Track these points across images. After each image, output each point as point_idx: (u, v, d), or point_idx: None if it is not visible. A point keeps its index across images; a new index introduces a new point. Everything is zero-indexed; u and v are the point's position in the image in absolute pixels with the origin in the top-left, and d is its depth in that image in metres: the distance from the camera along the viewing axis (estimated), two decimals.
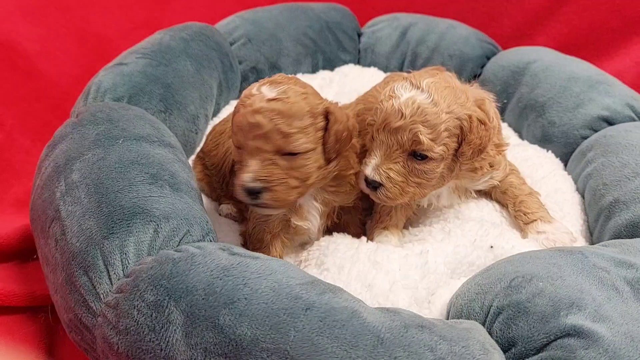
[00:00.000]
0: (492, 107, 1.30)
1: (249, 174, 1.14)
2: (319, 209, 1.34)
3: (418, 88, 1.20)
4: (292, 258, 1.42)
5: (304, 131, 1.15)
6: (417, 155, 1.21)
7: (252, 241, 1.34)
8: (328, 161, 1.23)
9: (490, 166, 1.36)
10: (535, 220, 1.34)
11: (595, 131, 1.57)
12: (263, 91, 1.15)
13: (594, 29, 2.08)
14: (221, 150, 1.50)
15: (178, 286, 0.94)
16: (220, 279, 0.94)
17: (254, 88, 1.18)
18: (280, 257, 1.36)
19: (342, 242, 1.33)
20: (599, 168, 1.42)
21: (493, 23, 2.27)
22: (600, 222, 1.34)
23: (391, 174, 1.22)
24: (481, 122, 1.22)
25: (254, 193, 1.16)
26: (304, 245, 1.45)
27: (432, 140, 1.18)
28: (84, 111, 1.39)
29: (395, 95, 1.21)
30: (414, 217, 1.50)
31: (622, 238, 1.24)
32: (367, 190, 1.27)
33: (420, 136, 1.17)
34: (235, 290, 0.92)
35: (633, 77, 1.98)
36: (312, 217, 1.35)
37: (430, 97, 1.18)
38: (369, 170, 1.24)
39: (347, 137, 1.23)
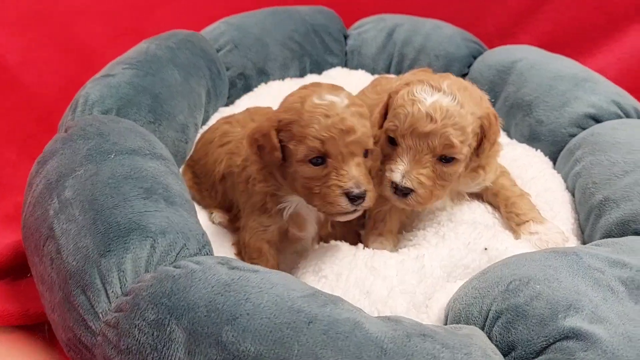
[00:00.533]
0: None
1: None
2: (317, 219, 1.35)
3: (440, 91, 1.20)
4: (288, 266, 1.42)
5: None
6: (444, 158, 1.22)
7: (249, 251, 1.34)
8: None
9: (483, 169, 1.38)
10: (528, 221, 1.35)
11: (583, 129, 1.59)
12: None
13: (577, 26, 2.11)
14: (210, 159, 1.49)
15: (179, 303, 0.93)
16: (222, 295, 0.93)
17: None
18: (276, 265, 1.36)
19: (339, 249, 1.33)
20: (588, 167, 1.44)
21: (478, 22, 2.28)
22: (591, 220, 1.36)
23: (422, 179, 1.21)
24: (495, 117, 1.27)
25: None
26: (297, 252, 1.46)
27: (461, 142, 1.19)
28: (73, 125, 1.37)
29: (417, 99, 1.20)
30: (407, 222, 1.51)
31: (613, 236, 1.25)
32: (393, 198, 1.25)
33: (453, 139, 1.18)
34: (237, 306, 0.91)
35: (616, 73, 2.01)
36: (310, 227, 1.35)
37: (455, 100, 1.19)
38: (398, 177, 1.22)
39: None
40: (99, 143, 1.28)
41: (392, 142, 1.25)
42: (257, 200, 1.30)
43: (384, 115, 1.30)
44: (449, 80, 1.24)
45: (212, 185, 1.49)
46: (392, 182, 1.23)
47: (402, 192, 1.22)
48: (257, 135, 1.20)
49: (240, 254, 1.38)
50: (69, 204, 1.15)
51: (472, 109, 1.21)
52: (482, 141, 1.25)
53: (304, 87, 1.22)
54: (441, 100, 1.19)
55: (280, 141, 1.17)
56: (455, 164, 1.23)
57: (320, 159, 1.14)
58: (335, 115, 1.12)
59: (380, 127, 1.30)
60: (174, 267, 1.03)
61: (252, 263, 1.29)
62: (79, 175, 1.20)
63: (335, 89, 1.19)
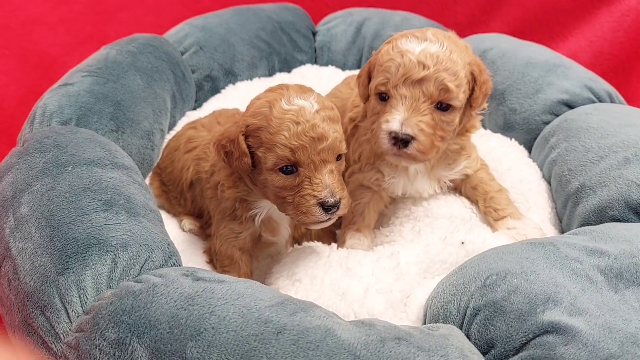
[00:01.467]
0: None
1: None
2: (290, 222, 1.32)
3: (426, 40, 1.19)
4: (262, 271, 1.39)
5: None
6: (441, 106, 1.19)
7: (220, 258, 1.30)
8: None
9: (463, 149, 1.37)
10: (505, 216, 1.34)
11: (557, 115, 1.57)
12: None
13: (547, 10, 2.09)
14: (177, 166, 1.45)
15: (140, 321, 0.89)
16: (185, 309, 0.89)
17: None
18: (249, 272, 1.33)
19: (313, 251, 1.30)
20: (563, 153, 1.41)
21: (446, 12, 2.26)
22: (569, 208, 1.34)
23: (423, 126, 1.17)
24: (483, 66, 1.26)
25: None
26: (272, 255, 1.42)
27: (457, 87, 1.18)
28: (29, 138, 1.32)
29: (405, 50, 1.18)
30: (385, 212, 1.48)
31: (590, 223, 1.24)
32: (391, 150, 1.20)
33: (448, 84, 1.16)
34: (201, 320, 0.87)
35: (589, 57, 2.00)
36: (283, 230, 1.32)
37: (443, 47, 1.18)
38: (396, 125, 1.17)
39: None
40: (56, 155, 1.23)
41: (383, 97, 1.22)
42: (227, 207, 1.26)
43: (368, 76, 1.27)
44: (432, 30, 1.23)
45: (180, 193, 1.45)
46: (391, 132, 1.18)
47: (403, 140, 1.17)
48: (225, 141, 1.15)
49: (212, 261, 1.34)
50: (25, 221, 1.10)
51: (460, 54, 1.20)
52: (474, 89, 1.24)
53: (271, 90, 1.17)
54: (429, 47, 1.17)
55: (248, 147, 1.13)
56: (452, 112, 1.21)
57: (291, 167, 1.10)
58: (305, 122, 1.07)
59: (367, 91, 1.27)
60: (136, 281, 0.99)
61: (223, 271, 1.27)
62: (35, 191, 1.15)
63: (303, 91, 1.14)
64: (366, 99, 1.30)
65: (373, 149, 1.29)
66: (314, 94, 1.15)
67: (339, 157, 1.14)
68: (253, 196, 1.23)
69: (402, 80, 1.17)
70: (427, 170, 1.37)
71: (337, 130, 1.12)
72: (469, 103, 1.26)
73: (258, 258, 1.39)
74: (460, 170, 1.40)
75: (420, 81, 1.16)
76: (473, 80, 1.23)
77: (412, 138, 1.17)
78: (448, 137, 1.25)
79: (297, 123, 1.07)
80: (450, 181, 1.43)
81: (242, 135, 1.12)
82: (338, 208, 1.11)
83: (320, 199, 1.09)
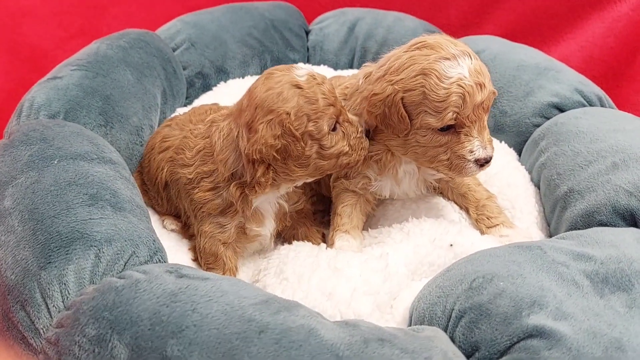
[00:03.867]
0: None
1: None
2: (274, 213, 1.31)
3: (455, 58, 1.15)
4: (250, 268, 1.38)
5: None
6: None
7: (205, 256, 1.29)
8: None
9: None
10: (498, 224, 1.35)
11: (547, 118, 1.57)
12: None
13: (539, 15, 2.10)
14: (153, 166, 1.43)
15: (122, 317, 0.88)
16: (167, 306, 0.88)
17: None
18: (234, 268, 1.32)
19: (302, 249, 1.29)
20: (552, 157, 1.41)
21: (439, 13, 2.26)
22: (557, 213, 1.33)
23: (490, 137, 1.24)
24: None
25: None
26: (259, 252, 1.42)
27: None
28: (16, 131, 1.30)
29: (457, 77, 1.14)
30: (372, 214, 1.48)
31: (578, 228, 1.23)
32: (477, 172, 1.24)
33: (494, 91, 1.21)
34: (183, 317, 0.86)
35: (579, 61, 2.00)
36: (268, 222, 1.31)
37: (470, 57, 1.18)
38: (482, 153, 1.20)
39: None
40: (42, 148, 1.21)
41: (444, 129, 1.19)
42: (218, 204, 1.25)
43: (405, 112, 1.20)
44: (444, 40, 1.20)
45: (157, 193, 1.43)
46: (478, 160, 1.21)
47: (487, 161, 1.22)
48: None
49: (197, 259, 1.33)
50: (8, 214, 1.08)
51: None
52: None
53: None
54: (468, 64, 1.16)
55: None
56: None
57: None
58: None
59: (403, 127, 1.22)
60: (119, 277, 0.97)
61: (208, 269, 1.27)
62: (19, 184, 1.13)
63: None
64: (405, 134, 1.23)
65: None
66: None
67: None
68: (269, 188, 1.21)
69: (470, 108, 1.16)
70: (416, 172, 1.37)
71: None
72: None
73: (243, 254, 1.38)
74: None
75: (483, 102, 1.18)
76: None
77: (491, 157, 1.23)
78: None
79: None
80: (436, 181, 1.42)
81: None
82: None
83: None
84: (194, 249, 1.34)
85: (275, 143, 1.12)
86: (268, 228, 1.32)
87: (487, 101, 1.18)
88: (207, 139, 1.25)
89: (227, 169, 1.20)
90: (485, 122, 1.21)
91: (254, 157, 1.13)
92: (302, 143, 1.14)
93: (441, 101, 1.15)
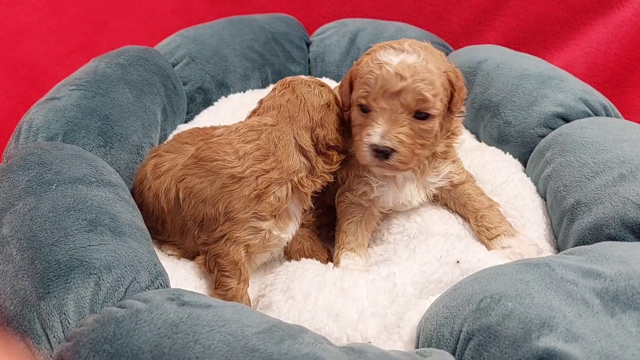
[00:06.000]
0: None
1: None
2: (299, 216, 1.35)
3: (403, 51, 1.22)
4: (256, 283, 1.37)
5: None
6: (420, 115, 1.22)
7: (222, 263, 1.28)
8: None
9: (448, 156, 1.39)
10: (499, 235, 1.33)
11: (552, 129, 1.55)
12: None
13: (542, 21, 2.08)
14: (148, 195, 1.40)
15: (122, 350, 0.86)
16: (169, 338, 0.86)
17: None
18: (248, 279, 1.31)
19: (309, 267, 1.28)
20: (558, 168, 1.39)
21: (442, 22, 2.24)
22: (564, 225, 1.31)
23: (402, 137, 1.21)
24: (459, 75, 1.30)
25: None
26: (264, 267, 1.41)
27: (434, 96, 1.20)
28: (13, 154, 1.29)
29: (384, 61, 1.21)
30: (378, 228, 1.46)
31: (586, 241, 1.22)
32: (374, 162, 1.24)
33: (425, 93, 1.19)
34: (185, 350, 0.84)
35: (583, 67, 1.98)
36: (292, 225, 1.33)
37: (420, 57, 1.21)
38: (377, 139, 1.21)
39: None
40: (40, 173, 1.20)
41: (364, 109, 1.26)
42: (271, 202, 1.27)
43: (350, 85, 1.32)
44: (409, 41, 1.27)
45: (156, 220, 1.39)
46: (372, 145, 1.22)
47: (383, 153, 1.21)
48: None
49: (206, 264, 1.31)
50: (6, 243, 1.07)
51: (437, 63, 1.23)
52: (453, 95, 1.27)
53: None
54: (407, 58, 1.20)
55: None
56: (431, 120, 1.23)
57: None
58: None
59: (349, 100, 1.32)
60: (119, 307, 0.96)
61: (222, 277, 1.27)
62: (17, 210, 1.12)
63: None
64: (348, 107, 1.34)
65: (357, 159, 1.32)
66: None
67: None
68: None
69: (381, 93, 1.21)
70: (416, 177, 1.37)
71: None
72: (449, 108, 1.28)
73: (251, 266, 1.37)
74: (446, 176, 1.39)
75: (398, 93, 1.19)
76: (451, 86, 1.26)
77: (392, 150, 1.20)
78: (429, 144, 1.27)
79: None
80: (437, 190, 1.41)
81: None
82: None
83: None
84: (203, 263, 1.32)
85: (338, 127, 1.34)
86: (291, 231, 1.33)
87: (405, 96, 1.19)
88: (255, 142, 1.29)
89: (289, 166, 1.28)
90: (402, 119, 1.21)
91: (330, 144, 1.31)
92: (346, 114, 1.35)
93: (362, 77, 1.24)
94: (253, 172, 1.26)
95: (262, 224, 1.27)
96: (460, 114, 1.38)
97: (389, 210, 1.44)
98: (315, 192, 1.35)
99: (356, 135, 1.28)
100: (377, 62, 1.22)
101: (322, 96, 1.35)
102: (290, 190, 1.28)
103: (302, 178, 1.29)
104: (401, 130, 1.20)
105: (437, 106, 1.21)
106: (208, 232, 1.30)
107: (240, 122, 1.38)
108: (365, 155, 1.24)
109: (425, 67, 1.20)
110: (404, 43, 1.25)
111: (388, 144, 1.20)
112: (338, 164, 1.35)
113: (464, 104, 1.33)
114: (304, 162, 1.30)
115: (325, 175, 1.34)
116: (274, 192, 1.27)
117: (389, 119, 1.21)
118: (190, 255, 1.37)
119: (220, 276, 1.28)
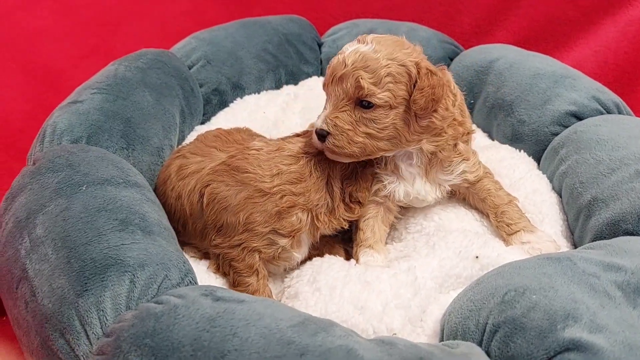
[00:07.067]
0: (449, 75, 1.38)
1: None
2: (313, 238, 1.36)
3: (363, 42, 1.27)
4: (279, 276, 1.41)
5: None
6: (363, 103, 1.24)
7: (239, 267, 1.30)
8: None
9: (459, 154, 1.38)
10: (519, 231, 1.34)
11: (565, 127, 1.57)
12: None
13: (552, 21, 2.10)
14: (173, 195, 1.41)
15: (163, 344, 0.88)
16: (208, 331, 0.89)
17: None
18: (267, 276, 1.34)
19: (335, 262, 1.32)
20: (574, 166, 1.42)
21: (452, 22, 2.26)
22: (581, 221, 1.34)
23: (337, 122, 1.24)
24: (430, 71, 1.25)
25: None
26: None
27: (373, 84, 1.22)
28: (40, 157, 1.31)
29: (341, 51, 1.28)
30: (396, 227, 1.48)
31: (604, 237, 1.24)
32: (318, 144, 1.28)
33: (361, 81, 1.21)
34: (224, 342, 0.87)
35: (593, 66, 2.01)
36: (304, 246, 1.35)
37: (372, 47, 1.24)
38: (319, 122, 1.27)
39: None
40: (69, 175, 1.22)
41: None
42: (292, 222, 1.30)
43: None
44: (381, 36, 1.31)
45: (178, 221, 1.40)
46: (315, 129, 1.28)
47: (320, 134, 1.26)
48: None
49: (220, 269, 1.34)
50: (41, 243, 1.09)
51: (393, 55, 1.24)
52: (413, 91, 1.24)
53: None
54: (359, 48, 1.25)
55: None
56: (377, 110, 1.24)
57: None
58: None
59: None
60: (156, 302, 0.98)
61: (239, 278, 1.30)
62: (49, 211, 1.14)
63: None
64: None
65: None
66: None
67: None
68: None
69: (330, 80, 1.27)
70: (422, 173, 1.38)
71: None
72: (411, 105, 1.26)
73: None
74: (459, 175, 1.40)
75: (341, 78, 1.24)
76: (410, 81, 1.24)
77: (328, 133, 1.25)
78: (382, 136, 1.27)
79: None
80: (453, 186, 1.43)
81: None
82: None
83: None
84: (216, 268, 1.34)
85: (369, 185, 1.39)
86: (303, 252, 1.36)
87: (346, 82, 1.23)
88: (293, 166, 1.31)
89: (314, 199, 1.31)
90: (342, 104, 1.25)
91: (357, 200, 1.36)
92: None
93: None
94: (281, 190, 1.28)
95: (280, 240, 1.30)
96: (468, 127, 1.39)
97: (407, 205, 1.45)
98: (324, 235, 1.37)
99: None
100: (338, 53, 1.29)
101: None
102: (311, 218, 1.31)
103: (320, 213, 1.32)
104: (338, 115, 1.25)
105: (378, 95, 1.22)
106: (224, 238, 1.33)
107: (283, 140, 1.40)
108: (315, 139, 1.29)
109: (371, 56, 1.22)
110: (371, 36, 1.29)
111: (323, 126, 1.25)
112: (358, 214, 1.38)
113: (442, 104, 1.30)
114: (328, 201, 1.33)
115: (343, 220, 1.36)
116: (297, 213, 1.30)
117: (333, 104, 1.26)
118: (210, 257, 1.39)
119: (238, 277, 1.31)
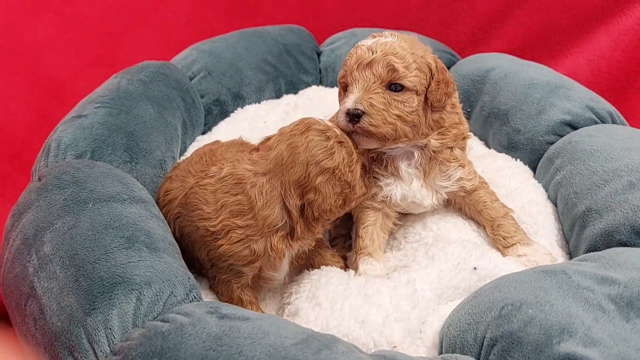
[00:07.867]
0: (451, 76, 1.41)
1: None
2: (290, 257, 1.33)
3: (382, 36, 1.34)
4: (278, 292, 1.42)
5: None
6: (392, 87, 1.29)
7: (223, 299, 1.33)
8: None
9: (456, 159, 1.41)
10: (515, 244, 1.37)
11: (560, 136, 1.60)
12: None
13: (547, 29, 2.12)
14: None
15: None
16: (214, 350, 0.91)
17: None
18: (255, 300, 1.35)
19: (333, 275, 1.33)
20: (568, 176, 1.44)
21: (448, 30, 2.29)
22: (576, 231, 1.36)
23: (373, 102, 1.27)
24: (444, 68, 1.36)
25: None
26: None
27: (405, 68, 1.28)
28: (46, 173, 1.33)
29: (360, 44, 1.33)
30: (395, 236, 1.50)
31: (598, 247, 1.26)
32: (348, 127, 1.29)
33: (395, 64, 1.27)
34: None
35: (587, 75, 2.03)
36: (283, 267, 1.33)
37: (395, 39, 1.32)
38: (350, 103, 1.27)
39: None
40: (76, 192, 1.25)
41: (345, 88, 1.36)
42: (245, 255, 1.25)
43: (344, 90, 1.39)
44: (392, 31, 1.38)
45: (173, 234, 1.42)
46: (347, 111, 1.28)
47: (355, 115, 1.27)
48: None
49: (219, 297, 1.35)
50: (49, 260, 1.12)
51: (414, 50, 1.32)
52: (431, 83, 1.32)
53: None
54: (382, 39, 1.32)
55: None
56: (406, 93, 1.30)
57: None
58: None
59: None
60: (162, 321, 1.01)
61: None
62: (57, 229, 1.16)
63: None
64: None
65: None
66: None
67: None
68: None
69: (355, 67, 1.30)
70: (421, 176, 1.40)
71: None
72: (427, 97, 1.33)
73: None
74: (457, 182, 1.42)
75: (370, 64, 1.28)
76: (430, 72, 1.32)
77: (363, 112, 1.27)
78: (409, 120, 1.31)
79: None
80: (449, 194, 1.44)
81: None
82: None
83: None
84: (214, 289, 1.36)
85: (337, 200, 1.24)
86: (283, 272, 1.34)
87: (377, 66, 1.28)
88: (238, 196, 1.23)
89: (268, 224, 1.22)
90: (374, 87, 1.28)
91: (322, 216, 1.25)
92: (354, 190, 1.27)
93: (344, 63, 1.36)
94: (225, 226, 1.23)
95: (244, 269, 1.28)
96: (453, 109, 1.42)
97: (404, 211, 1.47)
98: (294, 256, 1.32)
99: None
100: (356, 47, 1.34)
101: (332, 155, 1.22)
102: (279, 243, 1.24)
103: (275, 242, 1.23)
104: (372, 97, 1.28)
105: (409, 78, 1.28)
106: (202, 268, 1.36)
107: (239, 160, 1.30)
108: (340, 120, 1.30)
109: (398, 45, 1.30)
110: (386, 32, 1.36)
111: (359, 106, 1.27)
112: (320, 233, 1.32)
113: (450, 101, 1.38)
114: (286, 220, 1.23)
115: (305, 240, 1.28)
116: (248, 245, 1.23)
117: (363, 88, 1.28)
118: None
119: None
